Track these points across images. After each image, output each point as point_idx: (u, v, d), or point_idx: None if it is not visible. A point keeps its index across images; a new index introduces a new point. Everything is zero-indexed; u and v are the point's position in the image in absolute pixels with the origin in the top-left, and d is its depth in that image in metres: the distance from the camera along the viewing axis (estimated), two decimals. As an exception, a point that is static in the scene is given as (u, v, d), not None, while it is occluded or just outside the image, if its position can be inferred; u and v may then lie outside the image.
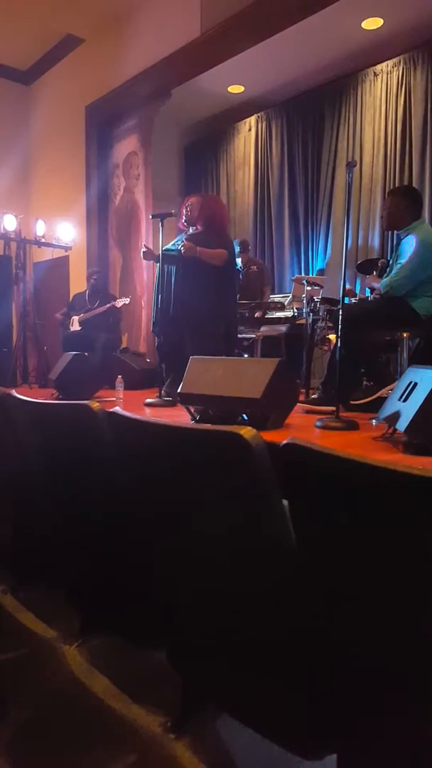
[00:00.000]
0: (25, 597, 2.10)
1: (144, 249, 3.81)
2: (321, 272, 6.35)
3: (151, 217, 3.74)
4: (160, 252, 3.58)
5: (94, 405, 1.30)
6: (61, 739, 1.42)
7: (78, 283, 6.59)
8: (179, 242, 3.74)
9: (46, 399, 2.33)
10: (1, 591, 2.10)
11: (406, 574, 0.81)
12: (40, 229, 6.06)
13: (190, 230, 3.79)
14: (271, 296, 5.88)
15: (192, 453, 1.05)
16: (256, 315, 5.14)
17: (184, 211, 3.85)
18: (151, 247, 3.92)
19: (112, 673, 1.63)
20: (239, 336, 5.05)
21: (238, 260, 5.72)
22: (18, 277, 5.94)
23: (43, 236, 6.11)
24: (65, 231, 6.40)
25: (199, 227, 3.77)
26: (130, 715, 1.45)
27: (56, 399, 3.35)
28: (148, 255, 3.79)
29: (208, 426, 1.05)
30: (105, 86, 6.20)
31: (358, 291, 5.66)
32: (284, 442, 0.89)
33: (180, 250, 3.57)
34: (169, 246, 3.75)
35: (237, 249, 5.71)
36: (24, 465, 1.74)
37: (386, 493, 0.78)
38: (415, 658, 0.85)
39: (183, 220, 3.86)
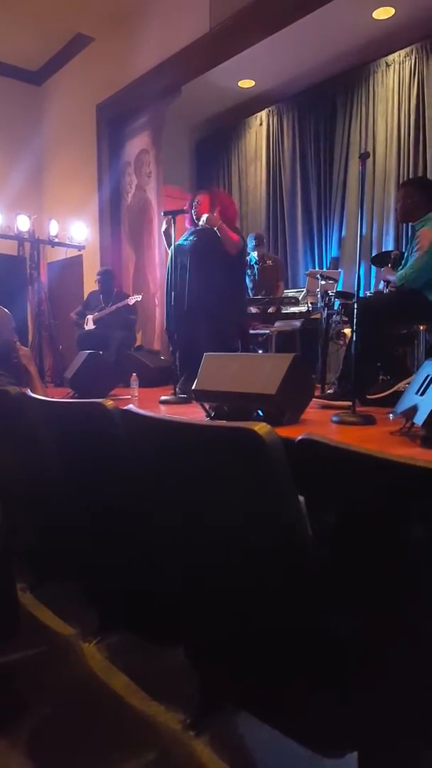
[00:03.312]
0: (44, 594, 2.12)
1: (164, 230, 3.76)
2: (335, 261, 6.31)
3: (162, 213, 3.73)
4: (173, 248, 3.58)
5: (108, 403, 1.30)
6: (80, 735, 1.43)
7: (91, 282, 6.61)
8: (190, 237, 3.74)
9: (61, 398, 2.34)
10: (21, 589, 2.11)
11: (426, 571, 0.80)
12: (53, 229, 6.09)
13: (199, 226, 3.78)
14: (285, 291, 5.86)
15: (207, 450, 1.04)
16: (269, 310, 5.12)
17: (192, 209, 3.84)
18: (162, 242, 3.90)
19: (130, 671, 1.63)
20: (253, 332, 5.04)
21: (254, 254, 5.71)
22: (32, 277, 5.98)
23: (57, 236, 6.14)
24: (78, 230, 6.43)
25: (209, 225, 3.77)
26: (149, 713, 1.45)
27: (72, 397, 3.37)
28: (169, 237, 3.77)
29: (222, 423, 1.04)
30: (115, 84, 6.20)
31: (372, 284, 5.61)
32: (299, 437, 0.88)
33: (193, 242, 3.57)
34: (180, 240, 3.75)
35: (253, 243, 5.71)
36: (41, 463, 1.74)
37: (406, 488, 0.77)
38: (436, 656, 0.84)
39: (194, 217, 3.85)
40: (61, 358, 5.66)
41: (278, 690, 1.14)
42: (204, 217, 3.61)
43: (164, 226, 3.82)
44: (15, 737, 1.41)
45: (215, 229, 3.56)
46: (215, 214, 3.57)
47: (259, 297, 5.26)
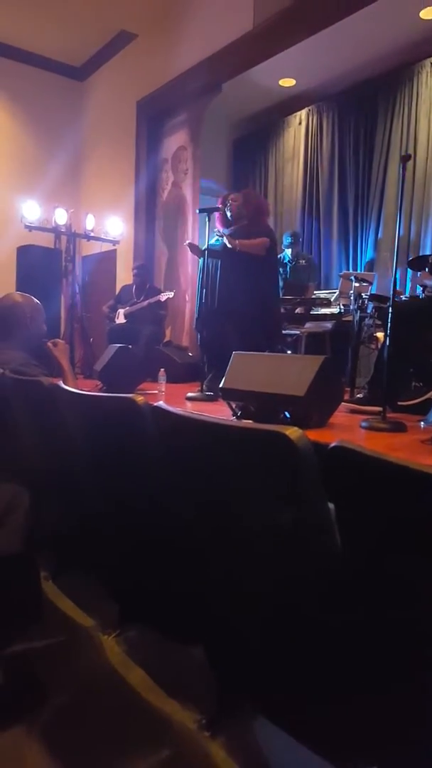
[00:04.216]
0: (66, 584, 2.14)
1: (188, 244, 3.84)
2: (370, 264, 6.22)
3: (198, 211, 3.74)
4: (207, 247, 3.59)
5: (139, 399, 1.30)
6: (95, 728, 1.43)
7: (124, 276, 6.67)
8: (221, 238, 3.76)
9: (90, 390, 2.36)
10: (43, 577, 2.14)
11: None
12: (89, 223, 6.14)
13: (231, 228, 3.79)
14: (317, 292, 5.80)
15: (236, 451, 1.03)
16: (297, 311, 5.07)
17: (226, 208, 3.85)
18: (194, 242, 3.95)
19: (148, 666, 1.64)
20: (284, 332, 5.01)
21: (288, 251, 5.67)
22: (67, 270, 6.05)
23: (93, 230, 6.19)
24: (114, 225, 6.48)
25: (245, 222, 3.78)
26: (166, 710, 1.45)
27: (100, 390, 3.40)
28: (194, 248, 3.82)
29: (252, 424, 1.03)
30: (156, 81, 6.22)
31: (408, 288, 5.51)
32: (332, 444, 0.86)
33: (224, 244, 3.60)
34: (212, 242, 3.76)
35: (289, 240, 5.68)
36: (70, 454, 1.76)
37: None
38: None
39: (229, 215, 3.85)
40: (92, 351, 5.72)
41: (297, 696, 1.13)
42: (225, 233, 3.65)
43: (187, 244, 3.86)
44: (31, 724, 1.43)
45: (236, 248, 3.59)
46: (229, 239, 3.62)
47: (289, 297, 5.22)
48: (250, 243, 3.63)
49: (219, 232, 3.82)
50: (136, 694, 1.53)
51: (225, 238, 3.65)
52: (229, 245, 3.61)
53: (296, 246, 5.72)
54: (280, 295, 5.20)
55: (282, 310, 4.91)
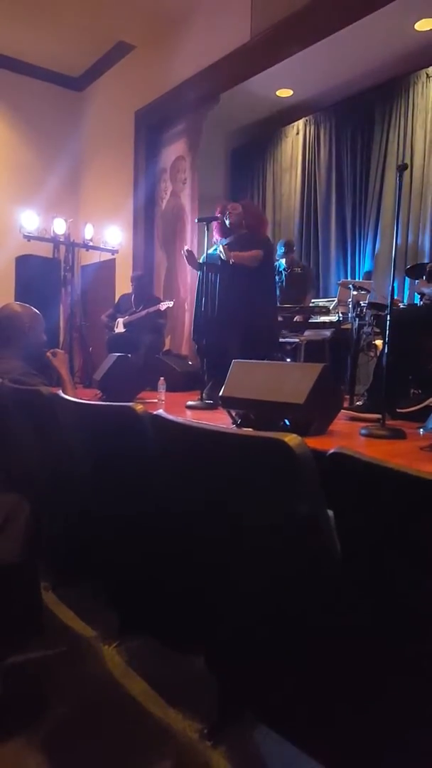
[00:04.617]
0: (66, 594, 2.13)
1: (186, 252, 3.85)
2: (368, 275, 6.25)
3: (197, 221, 3.77)
4: (204, 257, 3.62)
5: (138, 407, 1.30)
6: (96, 739, 1.43)
7: (123, 286, 6.68)
8: (219, 248, 3.79)
9: (90, 399, 2.36)
10: (44, 588, 2.13)
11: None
12: (88, 232, 6.17)
13: (229, 237, 3.82)
14: (315, 300, 5.81)
15: (236, 459, 1.04)
16: (295, 319, 5.08)
17: (224, 216, 3.88)
18: (193, 251, 3.95)
19: (149, 676, 1.63)
20: (282, 340, 5.02)
21: (283, 261, 5.70)
22: (66, 279, 6.07)
23: (91, 240, 6.22)
24: (113, 235, 6.51)
25: (244, 231, 3.80)
26: (167, 720, 1.45)
27: (100, 399, 3.40)
28: (191, 259, 3.83)
29: (252, 432, 1.04)
30: (155, 91, 6.28)
31: (406, 296, 5.53)
32: (331, 451, 0.87)
33: (220, 257, 3.64)
34: (210, 252, 3.79)
35: (282, 250, 5.70)
36: (69, 463, 1.76)
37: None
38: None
39: (227, 223, 3.88)
40: (91, 360, 5.72)
41: (298, 704, 1.13)
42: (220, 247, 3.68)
43: (185, 252, 3.87)
44: (32, 736, 1.42)
45: (230, 260, 3.61)
46: (225, 247, 3.64)
47: (287, 306, 5.23)
48: (243, 256, 3.66)
49: (217, 241, 3.85)
50: (138, 704, 1.52)
51: (221, 248, 3.68)
52: (224, 257, 3.64)
53: (290, 254, 5.74)
54: (277, 303, 5.22)
55: (279, 319, 4.92)
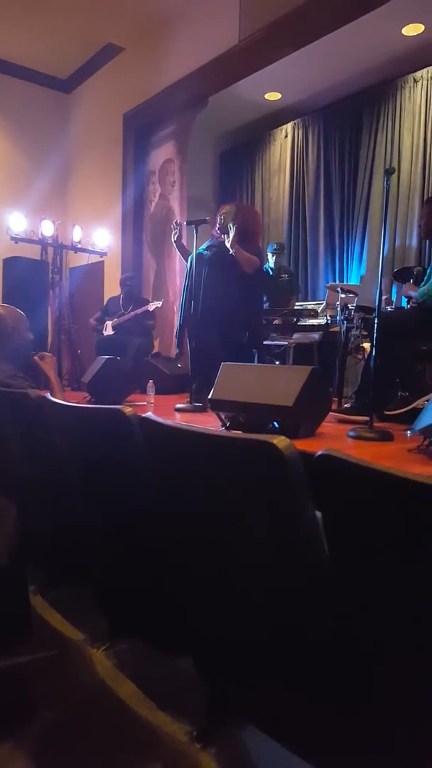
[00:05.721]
0: (55, 598, 2.12)
1: (175, 227, 3.83)
2: (363, 279, 6.29)
3: (185, 224, 3.76)
4: (193, 255, 3.61)
5: (127, 410, 1.30)
6: (85, 742, 1.42)
7: (112, 288, 6.67)
8: (211, 247, 3.78)
9: (78, 402, 2.35)
10: (32, 591, 2.12)
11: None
12: (76, 234, 6.15)
13: (223, 237, 3.81)
14: (304, 303, 5.85)
15: (224, 461, 1.04)
16: (275, 322, 5.10)
17: (218, 218, 3.89)
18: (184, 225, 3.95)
19: (138, 679, 1.63)
20: (270, 343, 5.03)
21: (271, 260, 5.73)
22: (54, 281, 6.04)
23: (80, 242, 6.20)
24: (101, 237, 6.49)
25: (244, 234, 3.81)
26: (156, 722, 1.44)
27: (88, 402, 3.39)
28: (182, 247, 3.83)
29: (240, 434, 1.04)
30: (143, 94, 6.28)
31: (394, 299, 5.58)
32: (319, 452, 0.87)
33: (214, 251, 3.63)
34: (201, 248, 3.78)
35: (273, 247, 5.74)
36: (57, 467, 1.76)
37: (425, 508, 0.76)
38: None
39: (217, 228, 3.88)
40: (79, 363, 5.71)
41: (288, 705, 1.13)
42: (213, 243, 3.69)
43: (174, 236, 3.87)
44: (20, 740, 1.41)
45: (231, 251, 3.61)
46: (231, 239, 3.62)
47: (275, 309, 5.25)
48: (243, 253, 3.66)
49: (217, 235, 3.85)
50: (127, 707, 1.52)
51: (224, 237, 3.67)
52: (227, 244, 3.62)
53: (280, 257, 5.78)
54: (263, 306, 5.24)
55: (264, 322, 4.94)
